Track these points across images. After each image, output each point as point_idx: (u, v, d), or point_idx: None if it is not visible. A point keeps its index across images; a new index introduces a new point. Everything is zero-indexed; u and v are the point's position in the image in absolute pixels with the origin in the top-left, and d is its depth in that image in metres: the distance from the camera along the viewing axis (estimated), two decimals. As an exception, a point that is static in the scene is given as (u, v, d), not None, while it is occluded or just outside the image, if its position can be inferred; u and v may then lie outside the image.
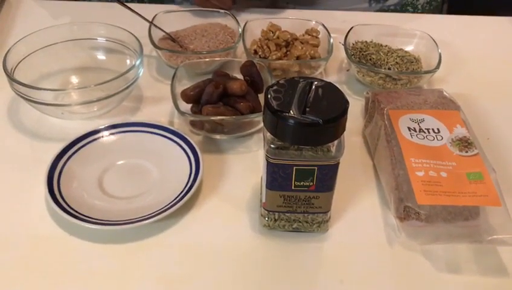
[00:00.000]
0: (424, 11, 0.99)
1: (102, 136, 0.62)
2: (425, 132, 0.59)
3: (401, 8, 0.97)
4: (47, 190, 0.55)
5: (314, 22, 0.79)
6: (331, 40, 0.75)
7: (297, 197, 0.50)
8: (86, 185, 0.58)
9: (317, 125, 0.43)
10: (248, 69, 0.65)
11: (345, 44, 0.74)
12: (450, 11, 1.20)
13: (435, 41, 0.74)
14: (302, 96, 0.45)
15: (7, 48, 0.66)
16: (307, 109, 0.44)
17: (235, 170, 0.61)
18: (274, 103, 0.44)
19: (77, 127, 0.64)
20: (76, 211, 0.53)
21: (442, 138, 0.58)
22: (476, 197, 0.52)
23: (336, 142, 0.46)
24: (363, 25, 0.77)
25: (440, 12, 1.08)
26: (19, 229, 0.54)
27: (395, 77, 0.71)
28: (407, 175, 0.54)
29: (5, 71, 0.63)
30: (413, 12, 0.98)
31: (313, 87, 0.46)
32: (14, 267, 0.51)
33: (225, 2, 0.85)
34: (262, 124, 0.48)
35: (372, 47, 0.75)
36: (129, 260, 0.52)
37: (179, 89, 0.65)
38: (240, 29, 0.76)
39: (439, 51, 0.72)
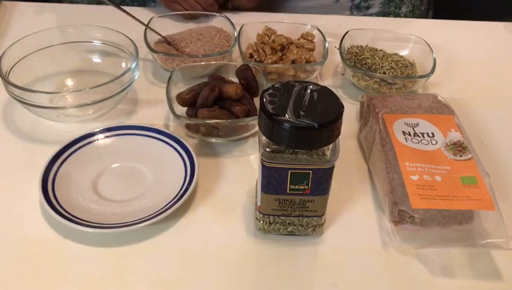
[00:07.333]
0: None
1: (98, 139, 0.62)
2: (419, 136, 0.59)
3: (383, 17, 0.97)
4: (41, 193, 0.54)
5: (309, 26, 0.79)
6: (327, 45, 0.75)
7: (292, 200, 0.50)
8: (80, 188, 0.58)
9: (312, 129, 0.43)
10: (243, 72, 0.66)
11: (340, 48, 0.74)
12: (436, 19, 1.20)
13: (429, 46, 0.75)
14: (298, 100, 0.45)
15: (2, 50, 0.66)
16: (302, 113, 0.44)
17: (230, 174, 0.61)
18: (269, 107, 0.44)
19: (72, 130, 0.64)
20: (71, 214, 0.53)
21: (436, 142, 0.58)
22: (470, 201, 0.52)
23: (330, 146, 0.46)
24: (358, 30, 0.78)
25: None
26: (13, 232, 0.54)
27: (390, 81, 0.71)
28: (402, 179, 0.54)
29: None
30: None
31: (308, 91, 0.46)
32: (7, 270, 0.50)
33: (210, 3, 0.85)
34: (257, 128, 0.48)
35: (367, 51, 0.76)
36: (124, 263, 0.51)
37: (175, 92, 0.65)
38: (235, 33, 0.77)
39: (434, 55, 0.73)
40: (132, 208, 0.56)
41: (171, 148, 0.61)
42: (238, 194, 0.58)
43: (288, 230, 0.53)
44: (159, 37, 0.78)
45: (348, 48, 0.76)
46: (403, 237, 0.53)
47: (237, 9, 0.91)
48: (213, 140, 0.64)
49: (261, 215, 0.52)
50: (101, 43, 0.73)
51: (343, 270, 0.51)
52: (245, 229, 0.55)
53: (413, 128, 0.60)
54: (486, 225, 0.52)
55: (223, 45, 0.77)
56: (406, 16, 0.99)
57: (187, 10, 0.85)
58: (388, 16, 0.98)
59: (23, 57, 0.69)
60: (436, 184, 0.53)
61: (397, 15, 0.98)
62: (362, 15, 0.96)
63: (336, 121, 0.44)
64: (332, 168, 0.47)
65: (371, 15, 0.97)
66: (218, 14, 0.82)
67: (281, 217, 0.52)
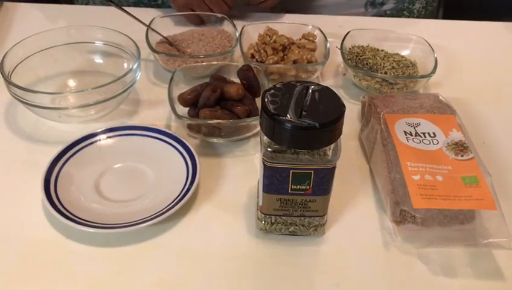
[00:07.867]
0: (419, 15, 0.99)
1: (100, 140, 0.62)
2: (421, 136, 0.59)
3: (397, 13, 0.97)
4: (44, 193, 0.55)
5: (310, 27, 0.79)
6: (328, 45, 0.75)
7: (294, 200, 0.50)
8: (82, 188, 0.58)
9: (313, 129, 0.43)
10: (245, 73, 0.66)
11: (341, 48, 0.74)
12: (446, 16, 1.21)
13: (431, 46, 0.75)
14: (299, 100, 0.45)
15: (4, 51, 0.66)
16: (304, 113, 0.44)
17: (232, 174, 0.61)
18: (271, 107, 0.44)
19: (74, 131, 0.64)
20: (73, 214, 0.53)
21: (438, 142, 0.58)
22: (471, 201, 0.52)
23: (332, 146, 0.46)
24: (359, 30, 0.78)
25: (436, 17, 1.08)
26: (15, 233, 0.54)
27: (392, 81, 0.71)
28: (403, 179, 0.54)
29: (2, 74, 0.64)
30: (409, 17, 0.99)
31: (310, 91, 0.46)
32: (9, 270, 0.51)
33: (220, 5, 0.85)
34: (259, 128, 0.48)
35: (369, 51, 0.76)
36: (126, 263, 0.52)
37: (176, 92, 0.65)
38: (237, 34, 0.77)
39: (435, 55, 0.73)
40: (134, 208, 0.56)
41: (173, 149, 0.61)
42: (239, 194, 0.58)
43: (289, 230, 0.53)
44: (161, 37, 0.78)
45: (350, 48, 0.77)
46: (405, 237, 0.53)
47: (258, 10, 0.90)
48: (215, 140, 0.64)
49: (262, 215, 0.52)
50: (103, 43, 0.73)
51: (344, 270, 0.52)
52: (247, 229, 0.55)
53: (414, 128, 0.60)
54: (487, 224, 0.52)
55: (224, 46, 0.77)
56: (419, 12, 0.99)
57: (211, 10, 0.84)
58: (402, 12, 0.97)
59: (25, 58, 0.69)
60: (437, 184, 0.53)
61: (411, 11, 0.98)
62: (376, 11, 0.96)
63: (337, 121, 0.44)
64: (333, 168, 0.47)
65: (385, 11, 0.96)
66: (220, 15, 0.82)
67: (283, 217, 0.52)
